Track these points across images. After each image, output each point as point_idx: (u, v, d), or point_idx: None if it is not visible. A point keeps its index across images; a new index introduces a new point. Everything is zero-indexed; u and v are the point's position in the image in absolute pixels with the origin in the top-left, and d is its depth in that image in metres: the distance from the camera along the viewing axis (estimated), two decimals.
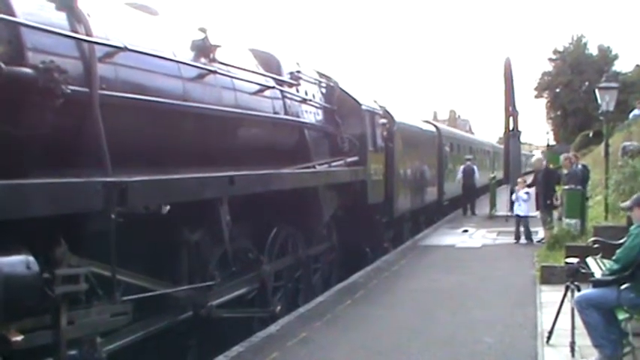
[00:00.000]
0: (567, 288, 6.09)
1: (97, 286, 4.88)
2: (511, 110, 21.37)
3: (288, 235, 9.01)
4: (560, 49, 52.12)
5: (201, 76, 6.81)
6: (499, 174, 24.09)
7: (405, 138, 15.09)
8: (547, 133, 54.45)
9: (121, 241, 4.85)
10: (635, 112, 22.07)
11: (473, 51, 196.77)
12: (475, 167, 21.34)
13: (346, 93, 11.66)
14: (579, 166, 13.35)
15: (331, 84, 11.25)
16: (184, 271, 6.39)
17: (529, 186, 14.14)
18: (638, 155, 12.47)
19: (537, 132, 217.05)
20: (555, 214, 13.67)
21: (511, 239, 14.32)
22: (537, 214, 13.99)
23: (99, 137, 4.96)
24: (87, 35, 5.13)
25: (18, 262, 4.05)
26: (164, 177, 5.56)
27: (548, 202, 13.18)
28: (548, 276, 9.33)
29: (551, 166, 14.54)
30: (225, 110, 7.05)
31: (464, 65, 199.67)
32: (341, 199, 10.67)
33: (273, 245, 8.38)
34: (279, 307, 8.12)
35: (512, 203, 15.45)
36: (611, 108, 12.90)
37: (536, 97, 53.99)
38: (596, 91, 13.39)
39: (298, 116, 9.45)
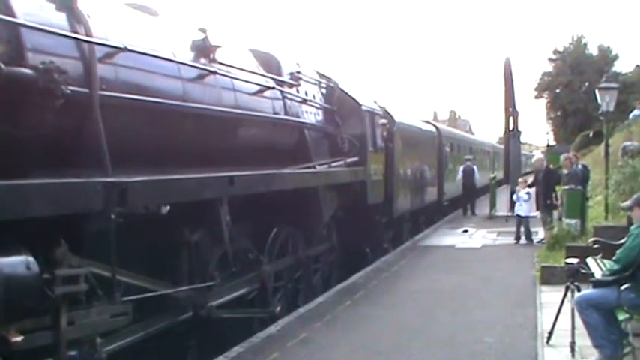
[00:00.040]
0: (567, 288, 6.09)
1: (97, 286, 4.88)
2: (511, 110, 21.37)
3: (288, 236, 9.01)
4: (560, 49, 52.14)
5: (201, 77, 6.81)
6: (499, 174, 24.09)
7: (405, 138, 15.10)
8: (547, 133, 54.53)
9: (121, 242, 4.85)
10: (635, 112, 22.07)
11: (473, 51, 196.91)
12: (475, 167, 21.34)
13: (346, 93, 11.66)
14: (579, 167, 13.36)
15: (331, 84, 11.25)
16: (184, 271, 6.39)
17: (530, 186, 14.14)
18: (638, 155, 12.47)
19: (537, 132, 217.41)
20: (555, 214, 13.67)
21: (511, 239, 14.31)
22: (537, 214, 14.00)
23: (99, 138, 4.96)
24: (87, 36, 5.13)
25: (18, 262, 4.06)
26: (164, 177, 5.56)
27: (548, 202, 13.18)
28: (548, 276, 9.33)
29: (551, 166, 14.53)
30: (225, 111, 7.05)
31: (464, 65, 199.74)
32: (341, 200, 10.68)
33: (273, 245, 8.39)
34: (279, 308, 8.12)
35: (513, 203, 15.44)
36: (611, 108, 12.90)
37: (536, 97, 54.02)
38: (596, 91, 13.39)
39: (298, 116, 9.46)
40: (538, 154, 20.48)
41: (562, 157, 13.85)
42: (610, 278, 5.60)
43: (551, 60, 52.75)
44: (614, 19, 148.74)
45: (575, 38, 52.04)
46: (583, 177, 12.97)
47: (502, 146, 26.12)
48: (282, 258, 8.75)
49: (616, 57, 49.89)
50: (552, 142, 48.44)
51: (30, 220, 4.08)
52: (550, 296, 8.15)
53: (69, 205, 4.42)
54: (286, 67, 9.43)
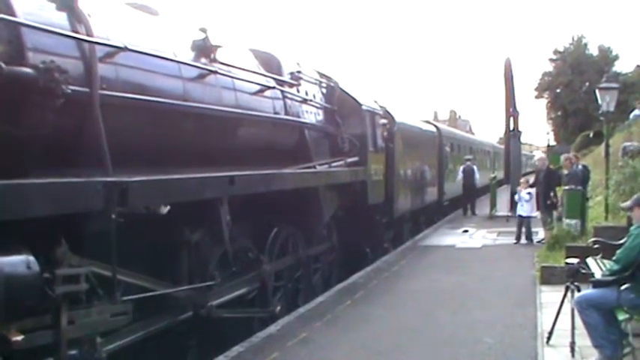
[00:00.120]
0: (567, 288, 6.09)
1: (97, 286, 4.88)
2: (511, 110, 21.34)
3: (288, 235, 9.01)
4: (561, 49, 52.15)
5: (201, 76, 6.81)
6: (499, 174, 24.08)
7: (406, 138, 15.09)
8: (547, 133, 54.49)
9: (121, 241, 4.85)
10: (636, 112, 22.06)
11: (473, 51, 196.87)
12: (475, 167, 21.34)
13: (346, 93, 11.66)
14: (580, 167, 13.35)
15: (331, 84, 11.25)
16: (184, 271, 6.39)
17: (531, 186, 14.13)
18: (638, 156, 12.48)
19: (538, 132, 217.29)
20: (555, 214, 13.67)
21: (511, 240, 14.31)
22: (538, 214, 13.99)
23: (99, 137, 4.96)
24: (87, 35, 5.13)
25: (18, 262, 4.06)
26: (164, 177, 5.56)
27: (548, 202, 13.18)
28: (549, 276, 9.33)
29: (551, 166, 14.53)
30: (226, 110, 7.05)
31: (464, 65, 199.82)
32: (341, 200, 10.68)
33: (273, 245, 8.39)
34: (279, 308, 8.12)
35: (514, 204, 15.43)
36: (612, 108, 12.90)
37: (536, 97, 54.04)
38: (597, 91, 13.39)
39: (299, 116, 9.46)
40: (539, 154, 20.49)
41: (562, 158, 13.85)
42: (610, 278, 5.60)
43: (551, 60, 52.78)
44: (614, 20, 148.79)
45: (575, 38, 52.09)
46: (583, 177, 12.97)
47: (502, 146, 26.11)
48: (282, 258, 8.75)
49: (616, 57, 49.95)
50: (553, 142, 48.45)
51: (30, 220, 4.08)
52: (550, 296, 8.15)
53: (69, 205, 4.42)
54: (287, 67, 9.43)
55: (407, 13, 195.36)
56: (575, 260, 6.30)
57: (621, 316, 5.49)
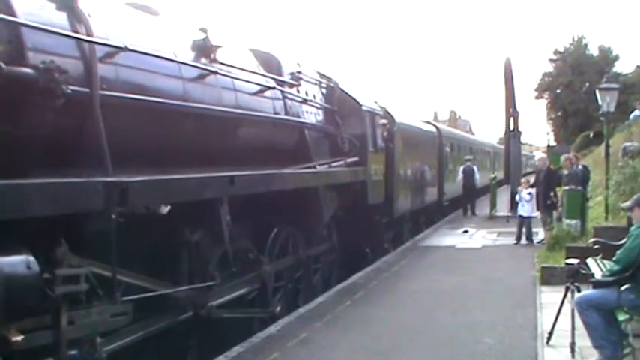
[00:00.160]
0: (567, 289, 6.09)
1: (97, 286, 4.88)
2: (511, 111, 21.34)
3: (288, 236, 9.01)
4: (561, 49, 52.19)
5: (201, 77, 6.81)
6: (499, 174, 24.09)
7: (406, 138, 15.10)
8: (547, 133, 54.51)
9: (121, 241, 4.85)
10: (636, 112, 22.07)
11: (473, 51, 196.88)
12: (475, 168, 21.34)
13: (346, 93, 11.66)
14: (580, 167, 13.35)
15: (332, 84, 11.25)
16: (184, 271, 6.39)
17: (532, 186, 14.13)
18: (638, 156, 12.48)
19: (538, 133, 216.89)
20: (555, 214, 13.67)
21: (511, 240, 14.31)
22: (538, 214, 13.99)
23: (99, 137, 4.96)
24: (87, 35, 5.13)
25: (18, 262, 4.06)
26: (165, 177, 5.56)
27: (548, 202, 13.18)
28: (549, 277, 9.33)
29: (551, 166, 14.53)
30: (226, 110, 7.05)
31: (464, 66, 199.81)
32: (341, 200, 10.68)
33: (273, 245, 8.38)
34: (279, 308, 8.12)
35: (515, 204, 15.42)
36: (612, 109, 12.90)
37: (536, 97, 54.06)
38: (597, 91, 13.39)
39: (299, 116, 9.46)
40: (539, 154, 20.50)
41: (562, 158, 13.85)
42: (610, 279, 5.60)
43: (551, 60, 52.81)
44: (614, 20, 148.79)
45: (575, 39, 52.12)
46: (583, 177, 12.97)
47: (502, 146, 26.11)
48: (282, 258, 8.75)
49: (616, 57, 49.99)
50: (553, 143, 48.47)
51: (30, 220, 4.08)
52: (550, 297, 8.15)
53: (69, 205, 4.42)
54: (287, 67, 9.43)
55: (407, 13, 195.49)
56: (575, 261, 6.30)
57: (621, 317, 5.49)
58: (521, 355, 6.21)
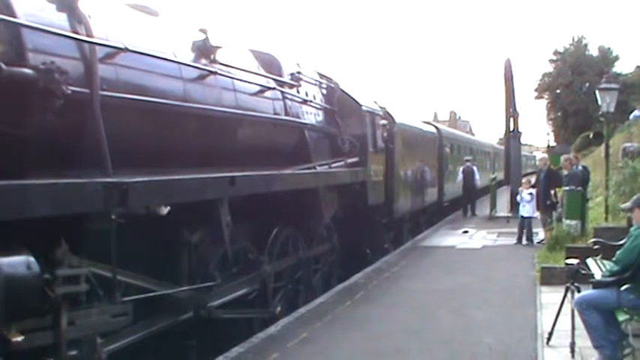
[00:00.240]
0: (567, 289, 6.09)
1: (97, 286, 4.89)
2: (511, 111, 21.35)
3: (288, 236, 9.01)
4: (561, 50, 52.26)
5: (201, 77, 6.81)
6: (500, 175, 24.10)
7: (406, 139, 15.10)
8: (547, 134, 54.63)
9: (121, 242, 4.85)
10: (636, 113, 22.12)
11: (473, 52, 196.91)
12: (475, 168, 21.33)
13: (346, 94, 11.66)
14: (579, 168, 13.35)
15: (332, 85, 11.25)
16: (185, 271, 6.39)
17: (533, 186, 14.13)
18: (638, 156, 12.49)
19: (538, 133, 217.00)
20: (555, 215, 13.67)
21: (511, 240, 14.31)
22: (538, 214, 13.99)
23: (100, 138, 4.96)
24: (88, 36, 5.14)
25: (18, 262, 4.06)
26: (165, 178, 5.56)
27: (548, 202, 13.18)
28: (549, 277, 9.33)
29: (552, 167, 14.54)
30: (226, 111, 7.05)
31: (464, 66, 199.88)
32: (341, 200, 10.67)
33: (273, 246, 8.38)
34: (279, 308, 8.11)
35: (516, 204, 15.41)
36: (612, 109, 12.91)
37: (536, 98, 54.13)
38: (597, 92, 13.40)
39: (299, 117, 9.46)
40: (539, 155, 20.52)
41: (562, 158, 13.86)
42: (610, 279, 5.60)
43: (551, 61, 52.88)
44: (614, 20, 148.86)
45: (575, 39, 52.20)
46: (583, 178, 12.97)
47: (502, 147, 26.11)
48: (282, 258, 8.74)
49: (616, 58, 50.07)
50: (553, 143, 48.54)
51: (31, 220, 4.08)
52: (550, 297, 8.15)
53: (69, 206, 4.42)
54: (287, 68, 9.43)
55: (407, 14, 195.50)
56: (575, 261, 6.30)
57: (621, 317, 5.49)
58: (521, 356, 6.21)
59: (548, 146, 45.28)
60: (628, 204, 5.96)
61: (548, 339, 6.37)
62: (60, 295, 4.46)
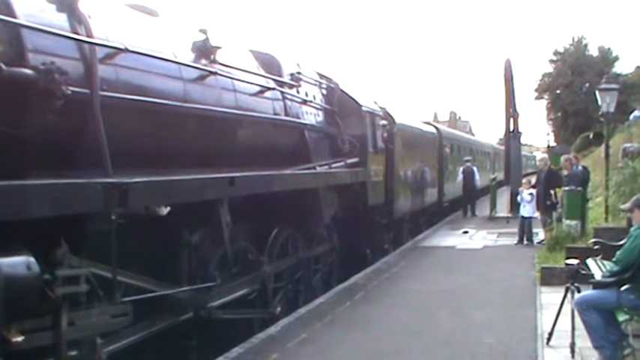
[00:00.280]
0: (567, 289, 6.09)
1: (97, 287, 4.89)
2: (511, 111, 21.36)
3: (288, 236, 9.01)
4: (561, 50, 52.26)
5: (201, 78, 6.81)
6: (500, 175, 24.12)
7: (406, 139, 15.10)
8: (547, 134, 54.63)
9: (121, 242, 4.85)
10: (636, 113, 22.14)
11: (473, 52, 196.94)
12: (475, 168, 21.33)
13: (346, 94, 11.66)
14: (579, 168, 13.35)
15: (331, 85, 11.26)
16: (185, 272, 6.39)
17: (533, 187, 14.13)
18: (638, 157, 12.49)
19: (538, 133, 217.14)
20: (555, 215, 13.67)
21: (511, 240, 14.30)
22: (538, 215, 13.99)
23: (100, 138, 4.96)
24: (87, 36, 5.14)
25: (18, 262, 4.06)
26: (165, 178, 5.56)
27: (548, 202, 13.18)
28: (549, 277, 9.33)
29: (552, 166, 14.54)
30: (226, 111, 7.05)
31: (464, 66, 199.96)
32: (341, 201, 10.67)
33: (273, 246, 8.38)
34: (279, 309, 8.11)
35: (517, 205, 15.41)
36: (612, 109, 12.91)
37: (536, 98, 54.13)
38: (597, 92, 13.40)
39: (298, 117, 9.46)
40: (540, 155, 20.54)
41: (562, 159, 13.86)
42: (610, 280, 5.60)
43: (551, 61, 52.88)
44: (614, 20, 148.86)
45: (575, 39, 52.20)
46: (583, 178, 12.98)
47: (502, 147, 26.11)
48: (282, 259, 8.74)
49: (616, 58, 50.08)
50: (553, 143, 48.54)
51: (31, 221, 4.08)
52: (550, 297, 8.15)
53: (69, 206, 4.42)
54: (287, 68, 9.43)
55: (407, 15, 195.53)
56: (575, 261, 6.30)
57: (621, 317, 5.49)
58: (521, 356, 6.21)
59: (548, 146, 45.27)
60: (628, 205, 5.96)
61: (549, 339, 6.37)
62: (60, 295, 4.46)
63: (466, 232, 16.61)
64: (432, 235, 16.71)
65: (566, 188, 12.53)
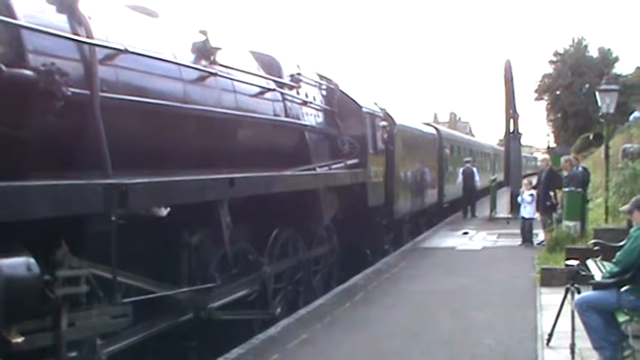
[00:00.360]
0: (567, 290, 6.09)
1: (97, 288, 4.89)
2: (511, 112, 21.36)
3: (288, 237, 9.01)
4: (561, 51, 52.31)
5: (201, 79, 6.82)
6: (500, 176, 24.13)
7: (406, 140, 15.11)
8: (547, 135, 54.70)
9: (121, 243, 4.86)
10: (636, 114, 22.15)
11: (473, 53, 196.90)
12: (475, 169, 21.34)
13: (347, 95, 11.67)
14: (579, 169, 13.35)
15: (332, 86, 11.26)
16: (185, 272, 6.39)
17: (534, 187, 14.13)
18: (638, 157, 12.50)
19: (538, 134, 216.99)
20: (555, 216, 13.67)
21: (512, 241, 14.30)
22: (538, 215, 14.00)
23: (100, 139, 4.97)
24: (88, 37, 5.14)
25: (19, 263, 4.06)
26: (165, 179, 5.56)
27: (548, 203, 13.18)
28: (549, 278, 9.33)
29: (553, 167, 14.54)
30: (226, 112, 7.06)
31: (464, 67, 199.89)
32: (341, 202, 10.68)
33: (273, 247, 8.38)
34: (279, 310, 8.11)
35: (517, 205, 15.42)
36: (612, 110, 12.91)
37: (536, 99, 54.17)
38: (597, 93, 13.40)
39: (299, 118, 9.46)
40: (540, 156, 20.55)
41: (562, 160, 13.87)
42: (610, 280, 5.60)
43: (551, 62, 52.92)
44: (614, 21, 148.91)
45: (575, 40, 52.25)
46: (583, 179, 12.98)
47: (502, 148, 26.12)
48: (282, 260, 8.74)
49: (616, 59, 50.14)
50: (553, 144, 48.60)
51: (31, 222, 4.08)
52: (550, 298, 8.15)
53: (70, 207, 4.43)
54: (287, 69, 9.44)
55: (407, 15, 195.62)
56: (575, 262, 6.30)
57: (621, 318, 5.50)
58: (521, 357, 6.21)
59: (548, 147, 45.36)
60: (627, 206, 5.97)
61: (548, 340, 6.37)
62: (60, 296, 4.46)
63: (466, 233, 16.62)
64: (432, 236, 16.71)
65: (566, 189, 12.53)
